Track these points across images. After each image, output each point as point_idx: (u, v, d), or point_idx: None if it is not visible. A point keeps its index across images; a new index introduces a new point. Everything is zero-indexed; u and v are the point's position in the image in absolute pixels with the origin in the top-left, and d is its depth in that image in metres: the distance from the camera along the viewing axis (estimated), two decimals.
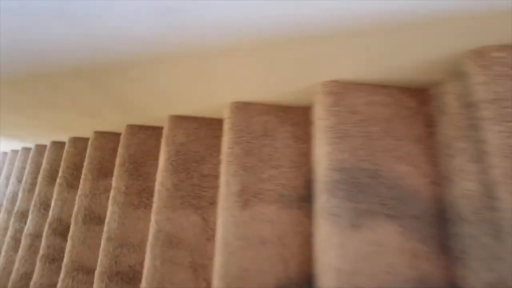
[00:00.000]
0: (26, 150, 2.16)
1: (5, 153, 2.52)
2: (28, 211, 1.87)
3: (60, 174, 1.56)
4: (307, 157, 0.85)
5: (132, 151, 1.21)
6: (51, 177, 1.74)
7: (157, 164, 1.21)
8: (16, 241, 1.83)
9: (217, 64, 0.74)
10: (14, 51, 0.74)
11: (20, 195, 1.91)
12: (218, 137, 1.06)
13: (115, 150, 1.41)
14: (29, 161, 1.97)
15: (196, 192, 0.99)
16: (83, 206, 1.33)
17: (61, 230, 1.48)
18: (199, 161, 1.02)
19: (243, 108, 0.87)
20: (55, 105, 1.07)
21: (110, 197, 1.16)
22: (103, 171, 1.38)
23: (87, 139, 1.61)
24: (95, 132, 1.42)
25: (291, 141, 0.86)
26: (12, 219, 1.87)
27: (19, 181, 2.11)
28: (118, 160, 1.20)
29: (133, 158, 1.20)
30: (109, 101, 0.98)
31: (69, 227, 1.49)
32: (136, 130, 1.23)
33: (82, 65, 0.77)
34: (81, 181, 1.37)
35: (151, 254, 0.92)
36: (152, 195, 1.18)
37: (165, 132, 1.05)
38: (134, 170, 1.19)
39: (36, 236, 1.65)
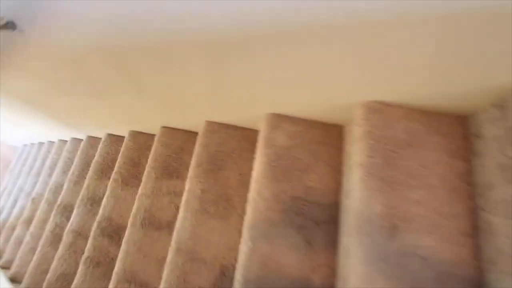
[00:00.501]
0: (76, 141, 2.07)
1: (51, 142, 2.46)
2: (72, 205, 1.74)
3: (116, 169, 1.43)
4: (465, 178, 0.66)
5: (211, 151, 1.05)
6: (102, 172, 1.62)
7: (237, 169, 1.05)
8: (55, 236, 1.69)
9: (361, 47, 0.58)
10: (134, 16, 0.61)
11: (65, 187, 1.80)
12: (325, 144, 0.89)
13: (183, 149, 1.27)
14: (78, 153, 1.87)
15: (300, 207, 0.80)
16: (143, 207, 1.17)
17: (110, 231, 1.33)
18: (303, 170, 0.84)
19: (382, 110, 0.70)
20: (145, 90, 0.95)
21: (183, 201, 1.00)
22: (168, 171, 1.23)
23: (148, 134, 1.49)
24: (163, 127, 1.28)
25: (445, 156, 0.67)
26: (54, 211, 1.75)
27: (65, 172, 2.01)
28: (194, 160, 1.04)
29: (212, 159, 1.04)
30: (212, 87, 0.84)
31: (119, 228, 1.34)
32: (216, 128, 1.08)
33: (211, 38, 0.63)
34: (143, 179, 1.23)
35: (244, 279, 0.73)
36: (229, 205, 1.00)
37: (263, 132, 0.88)
38: (211, 173, 1.02)
39: (79, 234, 1.50)
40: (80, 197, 1.57)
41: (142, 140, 1.47)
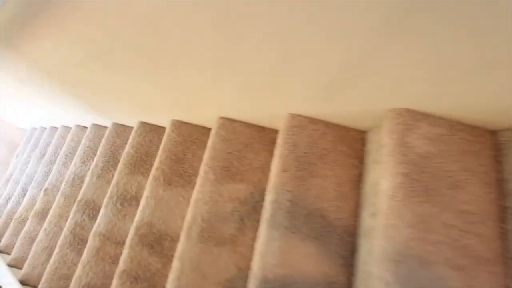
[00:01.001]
0: (98, 127, 1.83)
1: (66, 128, 2.22)
2: (95, 202, 1.52)
3: (156, 165, 1.20)
4: None
5: (300, 152, 0.82)
6: (135, 166, 1.39)
7: (333, 177, 0.82)
8: (75, 236, 1.46)
9: None
10: None
11: (87, 180, 1.56)
12: (476, 153, 0.67)
13: (247, 146, 1.04)
14: (103, 141, 1.64)
15: (454, 238, 0.59)
16: (200, 215, 0.95)
17: (151, 240, 1.10)
18: (452, 188, 0.62)
19: None
20: (237, 63, 0.71)
21: (268, 216, 0.77)
22: (230, 172, 1.00)
23: (195, 125, 1.26)
24: (222, 118, 1.05)
25: None
26: (74, 208, 1.52)
27: (84, 162, 1.78)
28: (279, 163, 0.81)
29: (301, 162, 0.82)
30: (354, 62, 0.60)
31: (161, 237, 1.12)
32: (304, 122, 0.85)
33: None
34: (199, 180, 1.00)
35: None
36: (327, 222, 0.78)
37: (394, 133, 0.66)
38: (301, 181, 0.80)
39: (107, 238, 1.28)
40: (108, 194, 1.33)
41: (187, 131, 1.23)
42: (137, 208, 1.29)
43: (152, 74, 0.91)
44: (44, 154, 2.26)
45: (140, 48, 0.76)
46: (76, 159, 1.77)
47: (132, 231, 1.11)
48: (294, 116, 0.85)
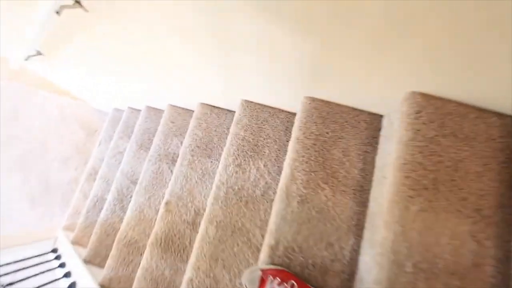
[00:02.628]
0: (256, 107, 1.07)
1: (175, 108, 1.48)
2: (303, 250, 0.78)
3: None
4: None
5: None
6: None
7: None
8: None
9: None
10: None
11: (277, 208, 0.81)
12: None
13: None
14: (298, 134, 0.86)
15: None
16: None
17: None
18: None
19: None
20: None
21: None
22: None
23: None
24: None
25: None
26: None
27: (240, 166, 1.02)
28: None
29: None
30: None
31: None
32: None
33: None
34: None
35: None
36: None
37: None
38: None
39: None
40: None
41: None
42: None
43: None
44: (143, 146, 1.56)
45: None
46: (226, 160, 1.03)
47: None
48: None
